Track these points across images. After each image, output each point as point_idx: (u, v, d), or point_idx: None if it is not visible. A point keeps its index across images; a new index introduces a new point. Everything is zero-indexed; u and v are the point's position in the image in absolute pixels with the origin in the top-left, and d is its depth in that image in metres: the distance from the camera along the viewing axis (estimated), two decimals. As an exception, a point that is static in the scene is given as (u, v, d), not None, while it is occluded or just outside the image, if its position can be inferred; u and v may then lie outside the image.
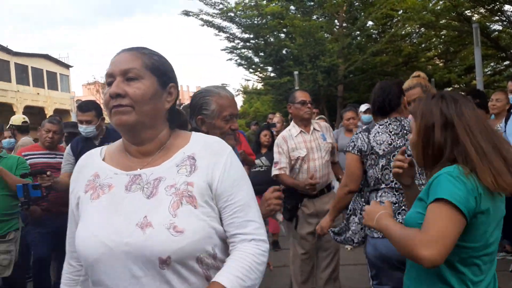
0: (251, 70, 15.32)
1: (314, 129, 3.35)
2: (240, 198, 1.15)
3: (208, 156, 1.16)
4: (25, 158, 3.51)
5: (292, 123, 3.34)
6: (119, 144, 1.25)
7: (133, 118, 1.12)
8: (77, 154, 3.39)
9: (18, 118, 5.13)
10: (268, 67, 15.39)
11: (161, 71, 1.18)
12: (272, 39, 13.99)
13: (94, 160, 1.25)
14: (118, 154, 1.23)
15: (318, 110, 8.74)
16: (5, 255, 3.13)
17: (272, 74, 15.56)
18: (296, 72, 10.67)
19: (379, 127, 2.40)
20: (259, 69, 15.44)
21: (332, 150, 3.45)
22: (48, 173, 3.06)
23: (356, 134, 2.49)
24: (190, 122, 1.77)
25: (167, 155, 1.17)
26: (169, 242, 1.05)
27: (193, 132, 1.25)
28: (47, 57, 31.91)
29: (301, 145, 3.25)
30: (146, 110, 1.13)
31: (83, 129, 3.34)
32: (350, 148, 2.46)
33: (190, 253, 1.07)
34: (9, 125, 5.06)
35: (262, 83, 16.83)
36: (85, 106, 3.38)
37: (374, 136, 2.38)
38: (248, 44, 14.47)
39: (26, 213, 3.38)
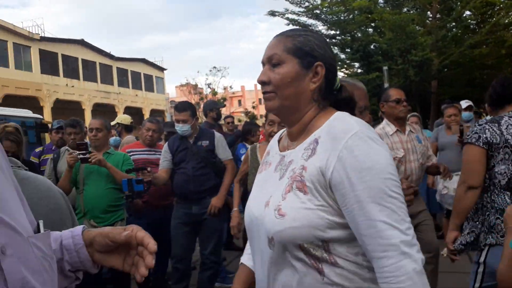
0: (337, 67, 14.99)
1: (410, 130, 3.18)
2: (357, 193, 1.00)
3: (328, 140, 1.08)
4: (129, 154, 3.82)
5: (385, 121, 3.21)
6: None
7: (277, 103, 1.15)
8: (173, 152, 3.63)
9: (126, 118, 5.54)
10: (355, 63, 14.96)
11: (304, 52, 1.14)
12: (359, 34, 13.58)
13: (274, 139, 1.35)
14: (285, 135, 1.29)
15: (410, 106, 8.32)
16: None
17: (359, 70, 15.11)
18: (385, 68, 10.25)
19: (509, 119, 2.15)
20: (345, 66, 15.09)
21: (427, 153, 3.25)
22: (149, 169, 3.30)
23: (480, 125, 2.21)
24: None
25: (305, 138, 1.16)
26: (272, 223, 1.08)
27: (337, 112, 1.17)
28: (144, 61, 34.36)
29: (398, 145, 3.08)
30: (287, 94, 1.14)
31: (179, 128, 3.56)
32: (474, 140, 2.16)
33: (290, 239, 1.06)
34: (115, 123, 5.45)
35: (348, 80, 16.39)
36: (181, 107, 3.59)
37: (507, 128, 2.12)
38: (334, 40, 14.22)
39: (130, 205, 3.67)
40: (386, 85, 9.35)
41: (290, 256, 1.08)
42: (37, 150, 4.78)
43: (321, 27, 13.91)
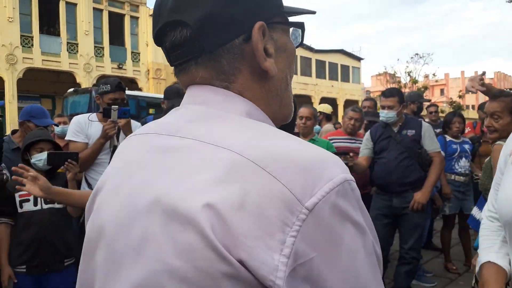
0: None
1: None
2: None
3: None
4: (331, 141, 3.95)
5: None
6: None
7: None
8: (375, 140, 3.58)
9: (328, 108, 5.79)
10: None
11: None
12: None
13: None
14: None
15: None
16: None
17: None
18: None
19: None
20: None
21: None
22: (351, 154, 3.36)
23: None
24: None
25: None
26: None
27: None
28: (342, 52, 34.75)
29: None
30: None
31: (384, 114, 3.48)
32: None
33: None
34: (317, 112, 5.78)
35: None
36: (389, 92, 3.50)
37: None
38: None
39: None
40: None
41: None
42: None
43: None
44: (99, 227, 0.62)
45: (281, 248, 0.47)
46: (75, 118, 3.07)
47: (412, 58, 27.30)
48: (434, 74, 30.92)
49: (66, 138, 3.06)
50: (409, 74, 26.44)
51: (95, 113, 3.08)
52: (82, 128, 2.96)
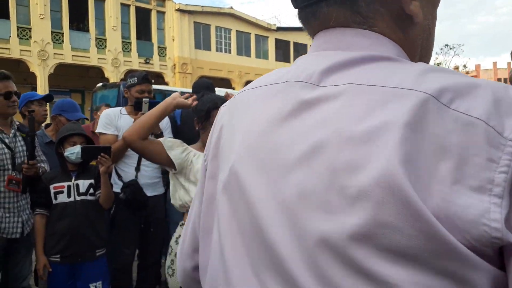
0: None
1: None
2: None
3: None
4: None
5: None
6: None
7: None
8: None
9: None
10: None
11: None
12: None
13: None
14: None
15: None
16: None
17: None
18: None
19: None
20: None
21: None
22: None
23: None
24: None
25: None
26: None
27: None
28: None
29: None
30: None
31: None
32: None
33: None
34: None
35: None
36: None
37: None
38: None
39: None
40: None
41: None
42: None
43: None
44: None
45: (489, 188, 0.41)
46: (105, 111, 3.15)
47: (441, 49, 26.60)
48: (464, 66, 30.12)
49: (97, 130, 3.12)
50: (438, 66, 25.79)
51: (124, 107, 3.15)
52: (112, 121, 3.02)
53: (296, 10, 0.61)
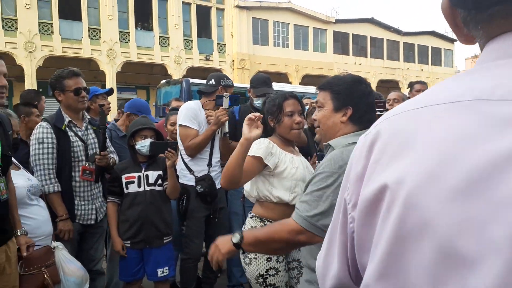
0: None
1: None
2: None
3: None
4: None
5: None
6: None
7: None
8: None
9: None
10: None
11: None
12: None
13: None
14: None
15: None
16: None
17: None
18: None
19: None
20: None
21: None
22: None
23: None
24: None
25: None
26: None
27: None
28: (433, 33, 32.53)
29: None
30: None
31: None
32: None
33: None
34: None
35: None
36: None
37: None
38: None
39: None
40: None
41: None
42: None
43: None
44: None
45: None
46: (188, 105, 3.20)
47: None
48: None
49: (183, 123, 3.09)
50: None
51: (199, 101, 3.26)
52: (197, 115, 3.11)
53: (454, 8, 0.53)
